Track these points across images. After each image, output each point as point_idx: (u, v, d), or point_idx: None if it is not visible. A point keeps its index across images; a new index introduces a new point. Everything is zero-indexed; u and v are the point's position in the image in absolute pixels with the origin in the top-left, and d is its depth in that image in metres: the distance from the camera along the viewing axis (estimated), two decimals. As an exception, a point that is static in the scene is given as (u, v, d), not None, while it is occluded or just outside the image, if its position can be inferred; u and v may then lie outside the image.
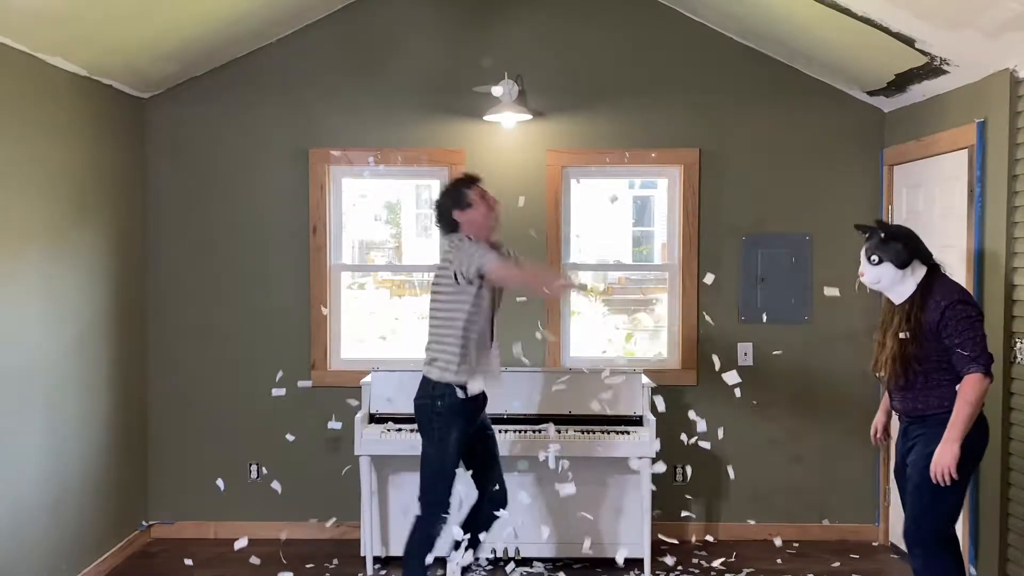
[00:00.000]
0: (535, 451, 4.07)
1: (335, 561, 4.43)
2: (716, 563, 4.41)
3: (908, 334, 3.13)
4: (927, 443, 3.12)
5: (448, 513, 3.58)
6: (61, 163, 3.96)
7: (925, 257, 3.17)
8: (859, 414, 4.58)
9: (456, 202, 3.57)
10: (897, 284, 3.16)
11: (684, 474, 4.70)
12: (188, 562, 4.39)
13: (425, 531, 3.55)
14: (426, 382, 3.55)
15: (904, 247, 3.13)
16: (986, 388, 3.05)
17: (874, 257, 3.16)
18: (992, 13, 3.14)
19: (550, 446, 3.97)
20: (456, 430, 3.52)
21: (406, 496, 4.36)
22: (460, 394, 3.49)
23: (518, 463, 3.65)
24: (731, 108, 4.74)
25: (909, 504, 3.20)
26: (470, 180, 3.65)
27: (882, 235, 3.17)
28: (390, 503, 4.42)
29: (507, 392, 4.16)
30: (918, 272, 3.14)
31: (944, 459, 3.02)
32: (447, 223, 3.60)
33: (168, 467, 4.85)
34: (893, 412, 3.37)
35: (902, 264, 3.12)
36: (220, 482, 4.46)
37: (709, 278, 4.31)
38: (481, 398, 3.64)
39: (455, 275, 3.45)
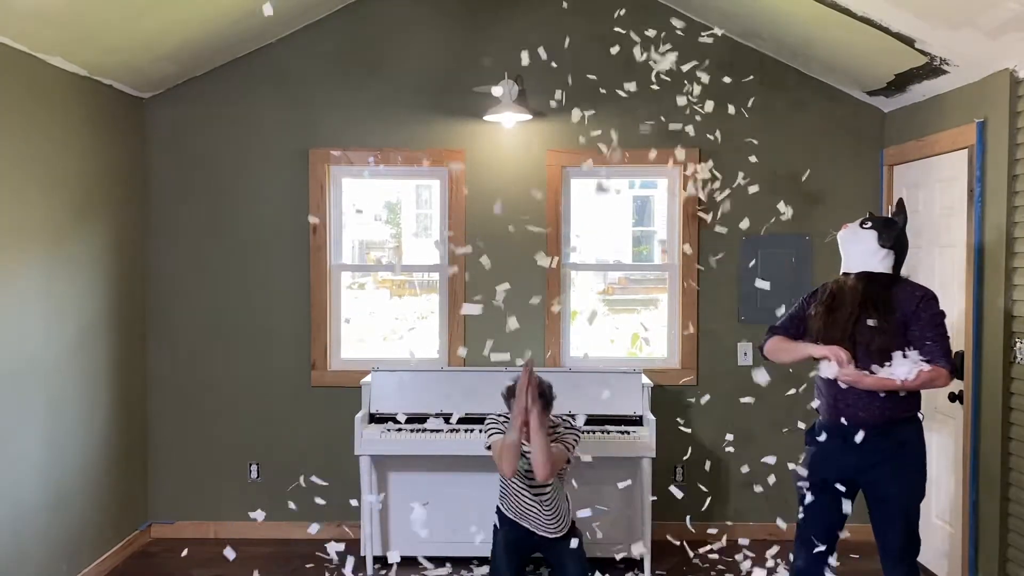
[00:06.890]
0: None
1: (335, 561, 4.43)
2: (716, 563, 4.41)
3: (877, 322, 3.03)
4: (902, 467, 3.06)
5: None
6: (61, 163, 3.96)
7: (898, 258, 3.17)
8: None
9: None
10: (869, 254, 3.14)
11: (685, 473, 4.69)
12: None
13: None
14: None
15: (891, 238, 3.13)
16: (942, 386, 3.03)
17: (868, 223, 3.18)
18: (992, 13, 3.14)
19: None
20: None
21: (406, 496, 4.37)
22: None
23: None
24: (731, 108, 4.74)
25: (898, 525, 3.10)
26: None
27: (891, 216, 3.22)
28: (390, 503, 4.42)
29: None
30: (886, 262, 3.14)
31: (850, 375, 2.95)
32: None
33: (168, 467, 4.85)
34: (842, 418, 3.09)
35: (883, 244, 3.12)
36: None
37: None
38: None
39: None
